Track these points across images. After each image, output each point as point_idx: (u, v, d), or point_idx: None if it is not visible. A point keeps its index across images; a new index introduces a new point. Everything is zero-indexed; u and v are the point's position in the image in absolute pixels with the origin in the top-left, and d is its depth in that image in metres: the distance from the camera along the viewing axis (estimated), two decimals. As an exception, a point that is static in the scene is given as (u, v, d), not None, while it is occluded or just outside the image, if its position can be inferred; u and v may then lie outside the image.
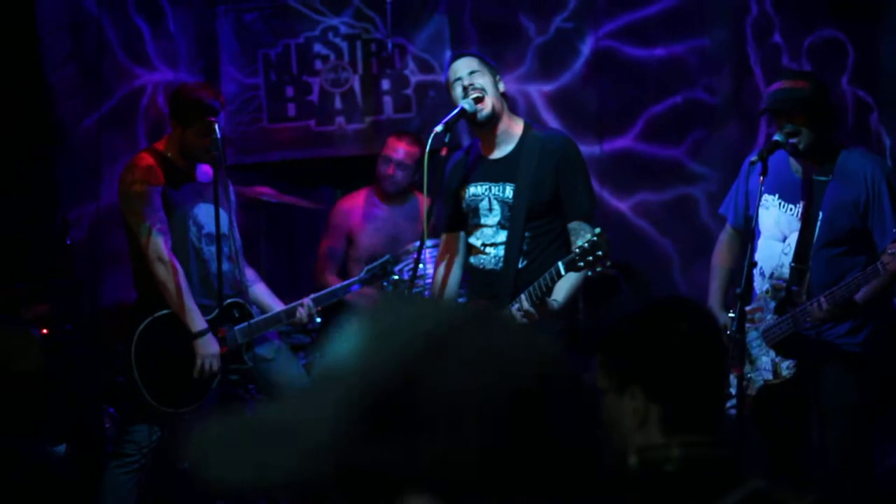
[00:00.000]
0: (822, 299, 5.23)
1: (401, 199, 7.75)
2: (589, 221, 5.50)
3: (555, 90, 8.35)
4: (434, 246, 6.88)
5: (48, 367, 6.53)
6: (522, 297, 5.29)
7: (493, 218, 5.66)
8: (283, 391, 6.29)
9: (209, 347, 5.98)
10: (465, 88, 5.55)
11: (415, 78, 8.53)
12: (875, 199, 5.33)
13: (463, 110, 5.56)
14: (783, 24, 8.24)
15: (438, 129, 5.50)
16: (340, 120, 8.56)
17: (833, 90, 7.29)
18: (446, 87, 5.69)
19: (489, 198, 5.68)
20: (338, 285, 6.46)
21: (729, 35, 8.36)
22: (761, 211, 5.53)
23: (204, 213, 6.13)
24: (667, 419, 2.58)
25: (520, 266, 5.56)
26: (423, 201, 5.49)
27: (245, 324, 6.20)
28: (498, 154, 5.68)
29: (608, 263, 5.16)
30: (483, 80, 5.58)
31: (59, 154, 8.41)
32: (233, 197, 6.40)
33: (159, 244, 5.96)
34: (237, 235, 6.30)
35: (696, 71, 8.38)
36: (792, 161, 5.53)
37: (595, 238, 5.11)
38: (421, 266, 6.52)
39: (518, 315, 5.30)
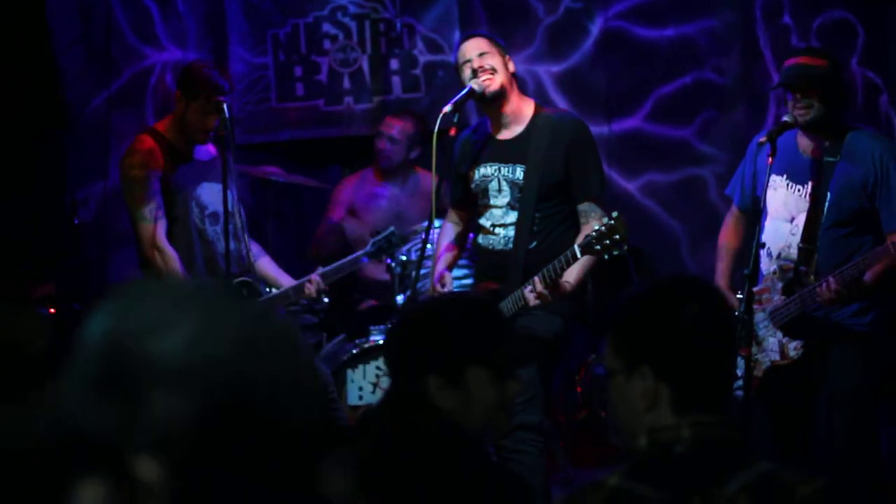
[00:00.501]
0: (831, 279, 5.22)
1: (402, 177, 7.77)
2: (599, 203, 5.50)
3: (563, 70, 8.34)
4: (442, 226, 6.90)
5: (56, 347, 6.54)
6: (536, 278, 5.28)
7: (503, 199, 5.65)
8: None
9: None
10: (474, 70, 5.54)
11: (423, 58, 8.53)
12: (883, 180, 5.32)
13: (472, 90, 5.56)
14: (793, 6, 8.22)
15: (447, 109, 5.50)
16: (349, 100, 8.56)
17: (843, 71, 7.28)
18: (456, 69, 5.68)
19: (499, 178, 5.67)
20: (344, 259, 6.44)
21: (738, 16, 8.35)
22: (769, 192, 5.51)
23: (206, 193, 6.12)
24: (677, 399, 2.57)
25: (530, 247, 5.55)
26: (432, 181, 5.47)
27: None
28: (508, 135, 5.67)
29: (625, 248, 5.16)
30: (493, 60, 5.56)
31: (68, 134, 8.42)
32: (233, 168, 6.39)
33: (154, 231, 5.95)
34: (242, 212, 6.30)
35: (705, 52, 8.37)
36: (800, 141, 5.52)
37: (612, 222, 5.10)
38: (429, 246, 6.52)
39: (531, 297, 5.29)
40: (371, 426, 3.21)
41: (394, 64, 8.54)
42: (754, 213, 5.61)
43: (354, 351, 6.85)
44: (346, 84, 8.55)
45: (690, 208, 8.38)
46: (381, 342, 6.84)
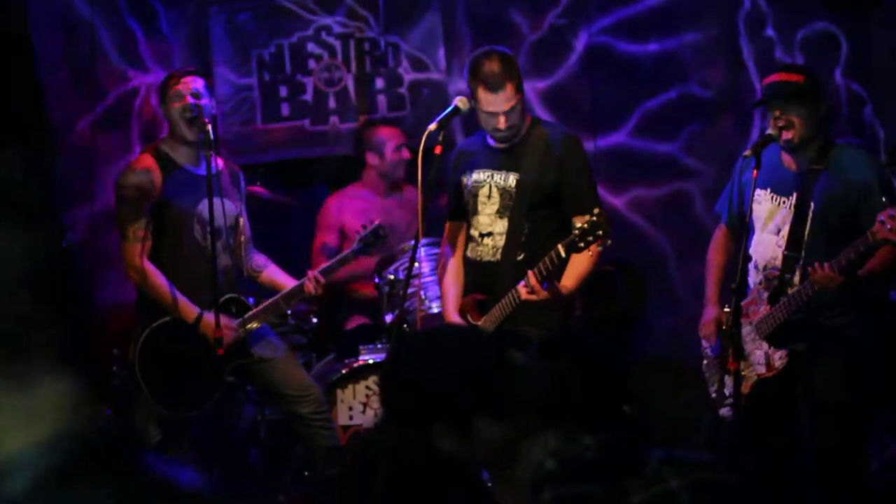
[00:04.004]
0: (825, 264, 5.22)
1: (390, 192, 7.80)
2: (590, 214, 5.52)
3: (549, 87, 8.34)
4: (429, 244, 6.89)
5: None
6: (531, 272, 5.31)
7: (492, 206, 5.69)
8: (282, 391, 6.28)
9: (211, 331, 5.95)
10: (497, 126, 5.62)
11: (408, 76, 8.53)
12: (865, 199, 5.34)
13: (457, 108, 5.60)
14: (776, 18, 8.24)
15: (432, 127, 5.53)
16: (334, 119, 8.56)
17: (827, 83, 7.32)
18: (472, 97, 5.66)
19: (490, 185, 5.72)
20: (336, 258, 6.41)
21: (722, 29, 8.36)
22: (755, 206, 5.53)
23: (206, 208, 6.10)
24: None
25: (518, 259, 5.57)
26: (419, 199, 5.48)
27: (245, 317, 6.17)
28: (503, 144, 5.72)
29: (608, 242, 5.18)
30: (516, 111, 5.62)
31: (54, 157, 8.40)
32: (243, 185, 6.40)
33: (133, 251, 5.98)
34: (248, 227, 6.32)
35: (690, 66, 8.38)
36: (784, 155, 5.54)
37: (595, 218, 5.14)
38: (416, 265, 6.52)
39: (523, 291, 5.34)
40: (370, 466, 3.16)
41: (379, 83, 8.54)
42: (741, 229, 5.63)
43: (344, 371, 6.84)
44: (332, 103, 8.55)
45: (677, 222, 8.39)
46: (370, 361, 6.83)
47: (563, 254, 5.23)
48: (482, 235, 5.73)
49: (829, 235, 5.39)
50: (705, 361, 5.86)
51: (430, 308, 6.77)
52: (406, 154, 7.71)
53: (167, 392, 6.06)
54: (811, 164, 5.44)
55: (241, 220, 6.29)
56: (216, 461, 6.85)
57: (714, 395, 5.78)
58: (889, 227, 4.95)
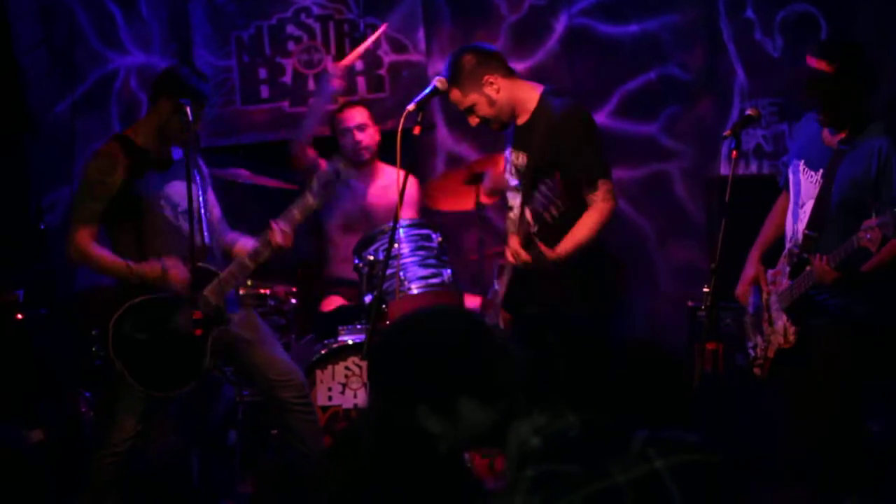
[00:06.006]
0: (825, 256, 5.28)
1: (364, 175, 7.78)
2: (591, 186, 5.58)
3: (528, 68, 8.32)
4: (409, 225, 6.89)
5: (20, 351, 6.51)
6: (511, 237, 5.45)
7: (513, 181, 5.84)
8: (264, 375, 6.25)
9: (176, 275, 5.91)
10: (470, 123, 5.88)
11: (388, 58, 8.52)
12: (883, 173, 5.35)
13: (435, 89, 5.62)
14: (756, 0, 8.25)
15: (411, 107, 5.53)
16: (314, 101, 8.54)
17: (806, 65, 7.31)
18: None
19: (511, 162, 5.86)
20: (297, 203, 6.23)
21: (702, 11, 8.36)
22: (791, 176, 5.66)
23: (177, 191, 6.08)
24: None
25: (531, 231, 5.63)
26: (397, 180, 5.47)
27: (212, 283, 6.10)
28: (520, 121, 5.84)
29: (553, 210, 5.31)
30: (479, 107, 5.77)
31: (33, 139, 8.38)
32: (205, 170, 6.35)
33: (76, 234, 5.98)
34: (218, 207, 6.30)
35: (670, 47, 8.38)
36: (824, 129, 5.58)
37: (550, 183, 5.26)
38: (396, 245, 6.52)
39: (509, 256, 5.55)
40: (356, 447, 3.16)
41: (358, 64, 8.52)
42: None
43: (323, 352, 6.84)
44: (311, 85, 8.53)
45: (657, 204, 8.40)
46: (350, 342, 6.83)
47: (528, 217, 5.34)
48: (508, 209, 5.84)
49: (847, 218, 5.41)
50: (746, 317, 5.91)
51: (409, 289, 6.76)
52: (371, 134, 7.68)
53: (147, 372, 6.02)
54: (840, 143, 5.47)
55: (209, 201, 6.26)
56: (194, 443, 6.85)
57: (750, 352, 5.84)
58: (869, 236, 5.00)
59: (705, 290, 5.55)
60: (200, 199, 6.06)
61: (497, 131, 5.92)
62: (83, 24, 8.52)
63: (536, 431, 2.83)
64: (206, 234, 6.08)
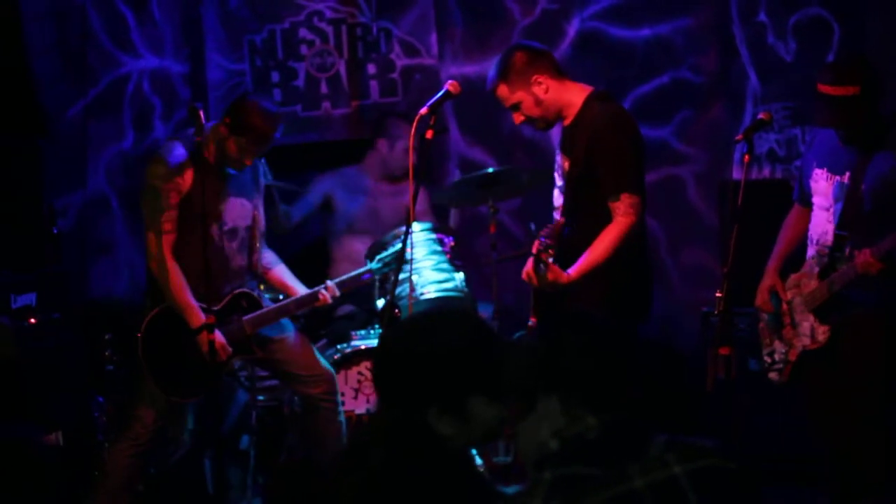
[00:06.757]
0: (867, 250, 5.31)
1: (385, 179, 7.85)
2: (614, 197, 5.50)
3: (541, 72, 8.31)
4: (422, 230, 6.89)
5: (33, 356, 6.51)
6: (530, 259, 5.41)
7: (560, 182, 5.80)
8: (293, 371, 6.28)
9: (210, 343, 5.94)
10: (515, 121, 5.83)
11: (400, 62, 8.52)
12: None
13: (448, 92, 5.60)
14: (768, 4, 8.23)
15: (424, 111, 5.51)
16: (326, 105, 8.55)
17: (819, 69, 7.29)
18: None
19: (558, 164, 5.82)
20: (354, 273, 6.45)
21: (714, 15, 8.35)
22: (812, 185, 5.70)
23: (228, 208, 6.11)
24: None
25: (564, 234, 5.61)
26: (410, 184, 5.48)
27: (254, 314, 6.18)
28: (566, 122, 5.79)
29: (543, 266, 5.29)
30: (525, 106, 5.71)
31: (45, 143, 8.38)
32: (262, 179, 6.38)
33: (159, 244, 5.97)
34: (262, 223, 6.32)
35: (682, 51, 8.37)
36: (841, 135, 5.61)
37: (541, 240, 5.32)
38: (408, 250, 6.52)
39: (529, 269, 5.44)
40: (367, 454, 3.16)
41: (371, 68, 8.53)
42: (807, 203, 5.79)
43: (336, 357, 6.84)
44: (324, 89, 8.54)
45: (670, 208, 8.38)
46: (363, 347, 6.83)
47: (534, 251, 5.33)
48: (554, 209, 5.83)
49: (880, 216, 5.44)
50: (761, 325, 5.91)
51: (421, 294, 6.77)
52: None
53: (169, 376, 6.06)
54: (867, 145, 5.50)
55: (257, 216, 6.29)
56: (208, 447, 6.86)
57: (766, 359, 5.85)
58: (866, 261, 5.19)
59: (718, 294, 5.54)
60: (256, 213, 6.15)
61: (541, 131, 5.89)
62: (96, 27, 8.53)
63: (555, 434, 2.81)
64: (245, 254, 6.14)
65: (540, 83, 5.67)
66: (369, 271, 6.49)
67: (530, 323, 5.69)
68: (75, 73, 8.49)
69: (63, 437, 6.33)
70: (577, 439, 2.78)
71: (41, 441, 6.23)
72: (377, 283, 6.88)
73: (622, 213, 5.46)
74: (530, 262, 5.36)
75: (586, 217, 5.59)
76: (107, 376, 7.02)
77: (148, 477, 6.69)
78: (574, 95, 5.71)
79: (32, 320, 6.76)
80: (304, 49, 8.57)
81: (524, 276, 5.45)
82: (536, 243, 5.32)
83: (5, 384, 6.33)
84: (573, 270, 5.40)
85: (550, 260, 5.30)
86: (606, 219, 5.47)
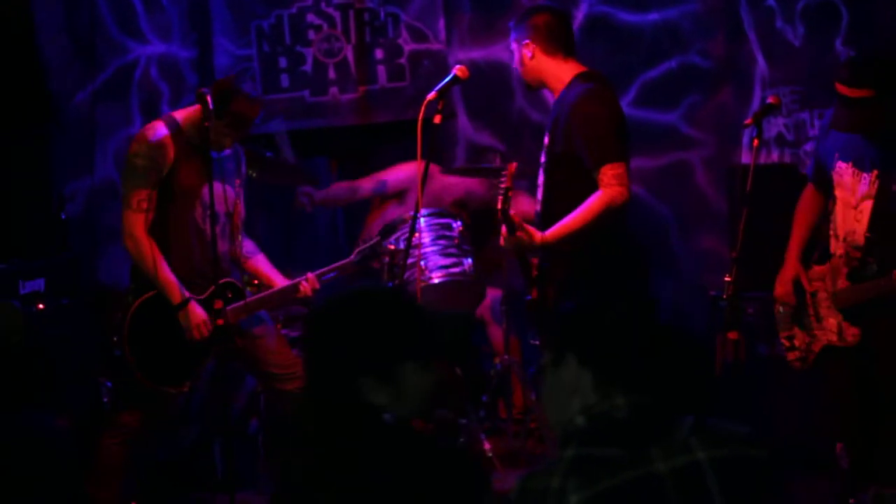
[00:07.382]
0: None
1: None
2: (595, 169, 5.49)
3: (549, 57, 8.30)
4: (430, 214, 6.89)
5: (41, 341, 6.52)
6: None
7: (542, 158, 5.80)
8: (266, 369, 6.24)
9: (193, 317, 5.92)
10: None
11: (408, 47, 8.52)
12: None
13: (456, 77, 5.60)
14: (777, -13, 8.23)
15: (432, 96, 5.52)
16: (334, 90, 8.55)
17: (827, 53, 7.28)
18: None
19: (544, 142, 5.82)
20: (334, 265, 6.39)
21: (722, -1, 8.35)
22: (835, 178, 5.57)
23: (210, 191, 6.08)
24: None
25: (538, 210, 5.62)
26: (418, 168, 5.48)
27: (238, 304, 6.14)
28: (552, 99, 5.83)
29: (504, 198, 5.31)
30: (520, 63, 5.81)
31: (54, 129, 8.40)
32: (244, 168, 6.34)
33: (134, 221, 5.91)
34: (242, 211, 6.26)
35: (690, 35, 8.36)
36: None
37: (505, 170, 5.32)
38: (416, 235, 6.52)
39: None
40: (303, 429, 3.16)
41: (378, 53, 8.52)
42: (826, 186, 5.66)
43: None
44: (332, 74, 8.54)
45: (678, 192, 8.38)
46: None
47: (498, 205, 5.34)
48: (537, 187, 5.84)
49: None
50: (779, 308, 5.86)
51: (429, 279, 6.76)
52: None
53: (153, 365, 6.02)
54: (891, 143, 5.41)
55: (238, 204, 6.24)
56: (217, 433, 6.87)
57: (784, 342, 5.82)
58: None
59: (726, 279, 5.54)
60: (237, 200, 6.11)
61: (527, 89, 6.01)
62: (104, 12, 8.54)
63: (583, 410, 2.82)
64: (228, 240, 6.11)
65: (528, 47, 5.73)
66: (350, 264, 6.41)
67: (529, 298, 5.69)
68: (83, 59, 8.51)
69: (71, 421, 6.34)
70: (604, 417, 2.79)
71: (54, 424, 6.24)
72: (386, 268, 6.87)
73: (606, 184, 5.46)
74: (505, 228, 5.40)
75: (562, 194, 5.59)
76: (114, 362, 7.02)
77: (157, 463, 6.69)
78: (563, 73, 5.73)
79: (41, 306, 6.77)
80: (311, 34, 8.56)
81: (501, 241, 5.47)
82: (500, 199, 5.35)
83: (14, 369, 6.34)
84: (549, 233, 5.41)
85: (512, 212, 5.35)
86: (583, 196, 5.47)
